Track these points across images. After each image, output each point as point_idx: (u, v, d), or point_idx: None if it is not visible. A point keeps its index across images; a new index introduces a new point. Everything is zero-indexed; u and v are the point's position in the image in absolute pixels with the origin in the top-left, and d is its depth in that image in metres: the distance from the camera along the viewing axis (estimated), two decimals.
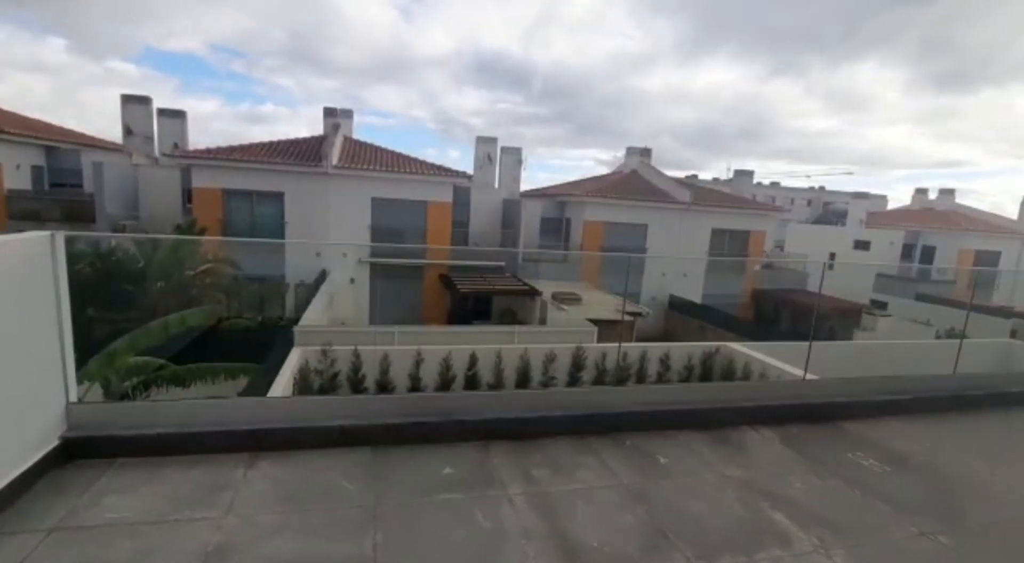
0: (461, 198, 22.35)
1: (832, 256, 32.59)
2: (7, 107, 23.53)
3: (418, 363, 11.41)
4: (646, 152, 27.72)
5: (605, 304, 17.61)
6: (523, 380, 11.96)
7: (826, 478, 3.39)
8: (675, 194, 24.21)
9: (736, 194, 28.91)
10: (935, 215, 32.84)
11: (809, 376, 4.56)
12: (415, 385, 11.36)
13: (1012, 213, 33.07)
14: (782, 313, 23.40)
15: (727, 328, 17.31)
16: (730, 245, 24.85)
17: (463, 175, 21.08)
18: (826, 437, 4.06)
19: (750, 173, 32.36)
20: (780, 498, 3.12)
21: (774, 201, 45.94)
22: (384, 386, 11.26)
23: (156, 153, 23.90)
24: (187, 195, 19.75)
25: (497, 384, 11.71)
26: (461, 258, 21.33)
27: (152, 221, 19.94)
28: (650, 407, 3.96)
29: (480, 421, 3.61)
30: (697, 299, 22.25)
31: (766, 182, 59.47)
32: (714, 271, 23.64)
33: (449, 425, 3.54)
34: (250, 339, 11.93)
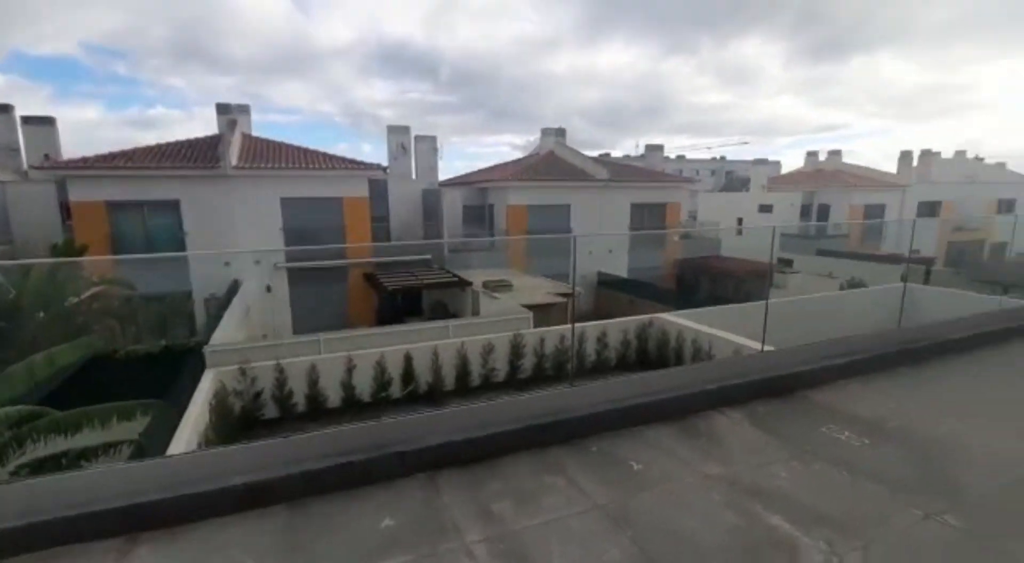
0: (378, 191, 21.18)
1: (740, 220, 34.23)
2: None
3: (350, 370, 10.55)
4: (560, 132, 27.56)
5: (537, 288, 17.28)
6: (463, 375, 11.38)
7: (809, 462, 3.07)
8: (593, 172, 24.24)
9: (649, 169, 29.49)
10: (826, 175, 35.26)
11: (767, 347, 4.29)
12: (349, 394, 10.50)
13: (887, 170, 36.16)
14: (701, 280, 24.19)
15: (656, 300, 17.52)
16: (649, 218, 25.30)
17: (377, 167, 19.90)
18: (794, 412, 3.77)
19: (659, 147, 33.09)
20: (771, 496, 2.73)
21: (682, 173, 47.66)
22: (315, 399, 10.32)
23: (24, 167, 20.86)
24: (66, 211, 17.30)
25: (436, 383, 11.06)
26: (385, 254, 20.24)
27: (27, 244, 17.34)
28: (613, 404, 3.49)
29: (423, 449, 2.97)
30: (624, 274, 22.50)
31: (672, 156, 61.68)
32: (637, 245, 24.00)
33: (384, 461, 2.88)
34: (153, 368, 10.49)
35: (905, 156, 36.88)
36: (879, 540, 2.38)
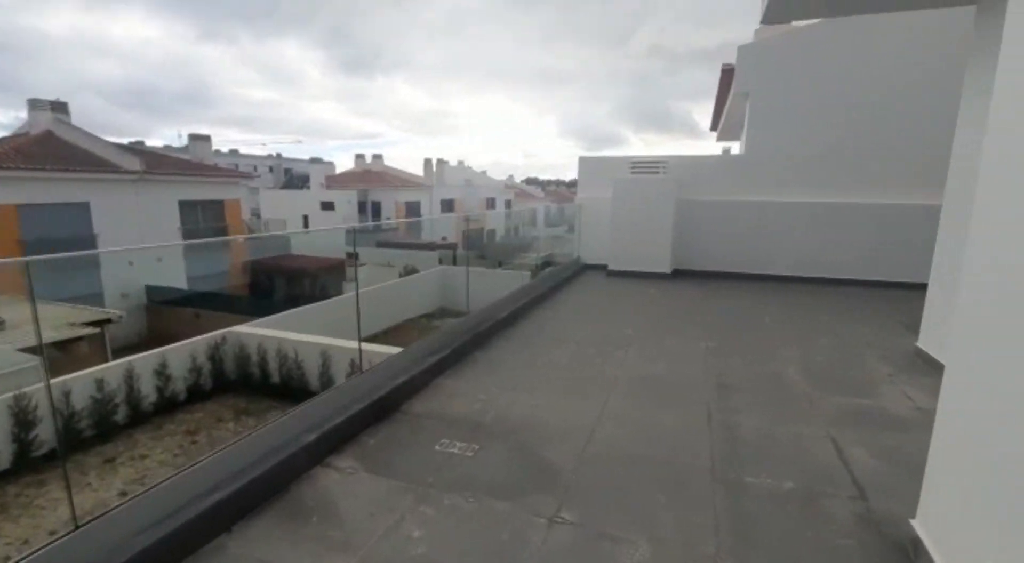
0: None
1: (305, 218, 33.52)
2: None
3: None
4: (61, 107, 19.84)
5: (51, 319, 11.95)
6: None
7: (437, 503, 2.61)
8: (120, 162, 18.54)
9: (197, 161, 24.94)
10: (374, 176, 38.39)
11: (369, 348, 3.68)
12: None
13: (417, 173, 42.42)
14: (276, 281, 22.39)
15: (228, 310, 14.95)
16: (204, 217, 21.42)
17: None
18: (406, 436, 3.31)
19: (207, 138, 28.35)
20: None
21: (238, 168, 42.96)
22: None
23: None
24: None
25: None
26: None
27: None
28: (177, 519, 2.15)
29: None
30: (183, 285, 18.35)
31: (225, 149, 54.99)
32: (196, 249, 19.96)
33: None
34: None
35: (428, 163, 44.04)
36: None
